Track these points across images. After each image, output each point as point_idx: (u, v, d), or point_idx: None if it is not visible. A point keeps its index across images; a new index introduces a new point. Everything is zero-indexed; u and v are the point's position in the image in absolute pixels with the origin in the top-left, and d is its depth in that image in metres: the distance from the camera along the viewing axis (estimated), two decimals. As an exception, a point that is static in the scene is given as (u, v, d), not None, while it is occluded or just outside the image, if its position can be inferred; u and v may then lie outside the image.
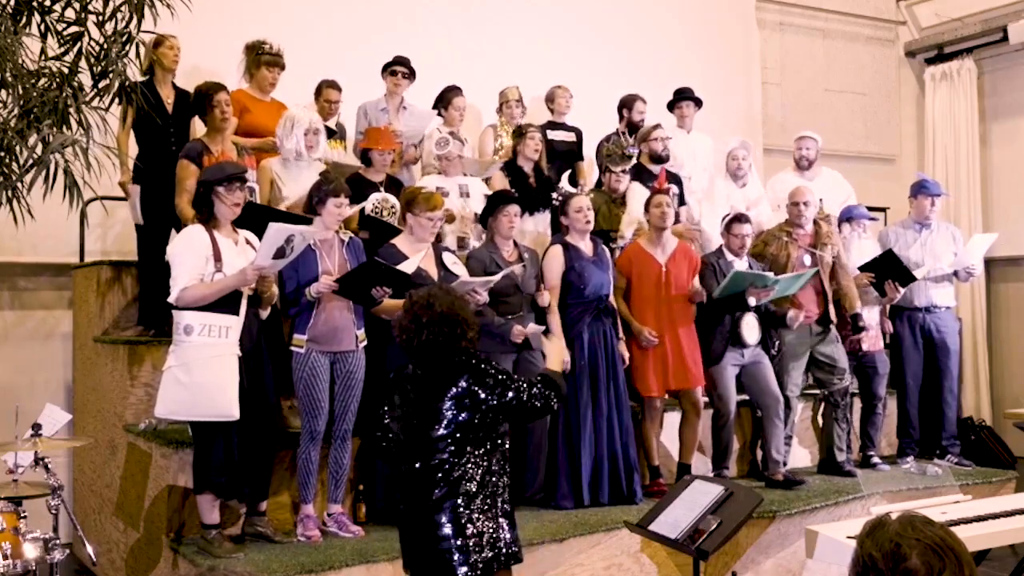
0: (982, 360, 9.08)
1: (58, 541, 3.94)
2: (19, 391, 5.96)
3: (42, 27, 4.44)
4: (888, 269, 6.16)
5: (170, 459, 4.76)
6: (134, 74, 4.61)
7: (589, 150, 7.03)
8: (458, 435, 3.15)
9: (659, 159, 6.42)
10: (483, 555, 3.12)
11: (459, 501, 3.13)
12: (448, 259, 5.12)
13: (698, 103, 7.09)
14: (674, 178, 6.52)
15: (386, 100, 6.36)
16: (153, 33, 4.58)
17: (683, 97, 7.06)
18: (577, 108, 7.03)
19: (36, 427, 4.07)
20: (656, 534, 3.72)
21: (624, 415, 5.47)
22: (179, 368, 4.21)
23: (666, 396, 5.75)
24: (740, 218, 5.89)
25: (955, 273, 6.68)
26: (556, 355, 3.61)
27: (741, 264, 5.85)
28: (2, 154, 4.22)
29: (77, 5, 4.45)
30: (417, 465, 3.19)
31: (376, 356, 4.92)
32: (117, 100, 4.52)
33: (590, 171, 6.99)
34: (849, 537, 3.61)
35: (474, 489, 3.14)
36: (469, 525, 3.12)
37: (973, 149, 9.32)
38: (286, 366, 4.72)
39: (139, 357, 5.33)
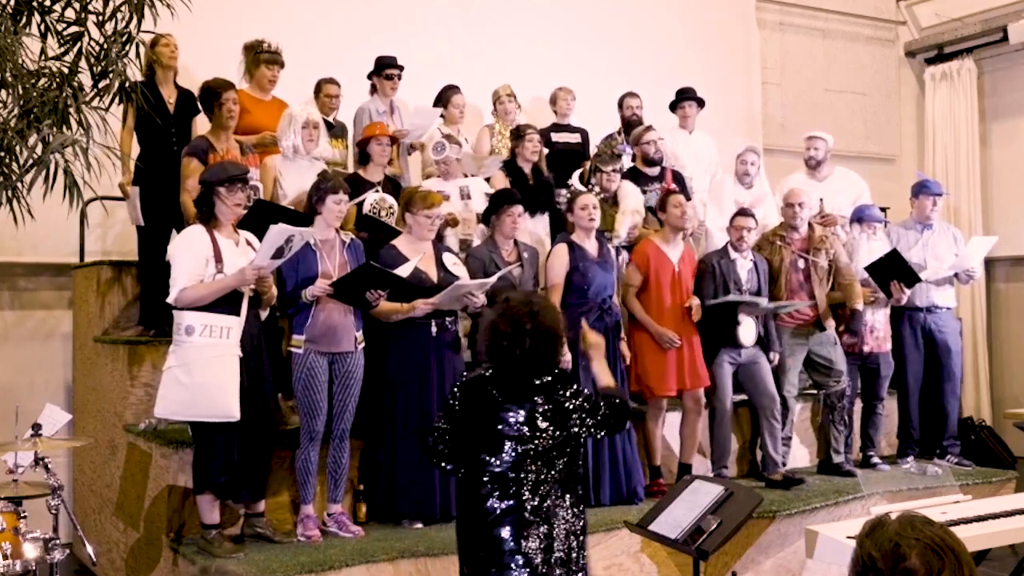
0: (982, 360, 9.07)
1: (58, 541, 3.93)
2: (19, 391, 5.96)
3: (42, 27, 4.44)
4: (893, 270, 6.15)
5: (170, 459, 4.76)
6: (134, 74, 4.61)
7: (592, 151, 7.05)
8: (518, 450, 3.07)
9: (651, 161, 6.42)
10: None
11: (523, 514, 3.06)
12: (448, 259, 5.11)
13: (700, 103, 7.09)
14: (676, 177, 6.53)
15: (382, 101, 6.35)
16: (153, 33, 4.58)
17: (685, 97, 7.05)
18: (577, 108, 7.03)
19: (36, 427, 4.07)
20: (656, 534, 3.72)
21: (625, 415, 5.47)
22: (179, 368, 4.21)
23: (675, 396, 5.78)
24: (743, 212, 5.92)
25: (955, 275, 6.68)
26: (604, 371, 3.41)
27: (744, 264, 5.86)
28: (2, 154, 4.22)
29: (77, 5, 4.44)
30: (475, 474, 3.11)
31: (375, 357, 4.93)
32: (117, 100, 4.51)
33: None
34: (849, 537, 3.61)
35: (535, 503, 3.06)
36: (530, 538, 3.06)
37: (973, 149, 9.31)
38: (285, 367, 4.72)
39: (139, 357, 5.33)
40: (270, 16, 6.78)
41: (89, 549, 4.02)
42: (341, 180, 4.86)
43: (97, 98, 4.43)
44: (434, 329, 4.92)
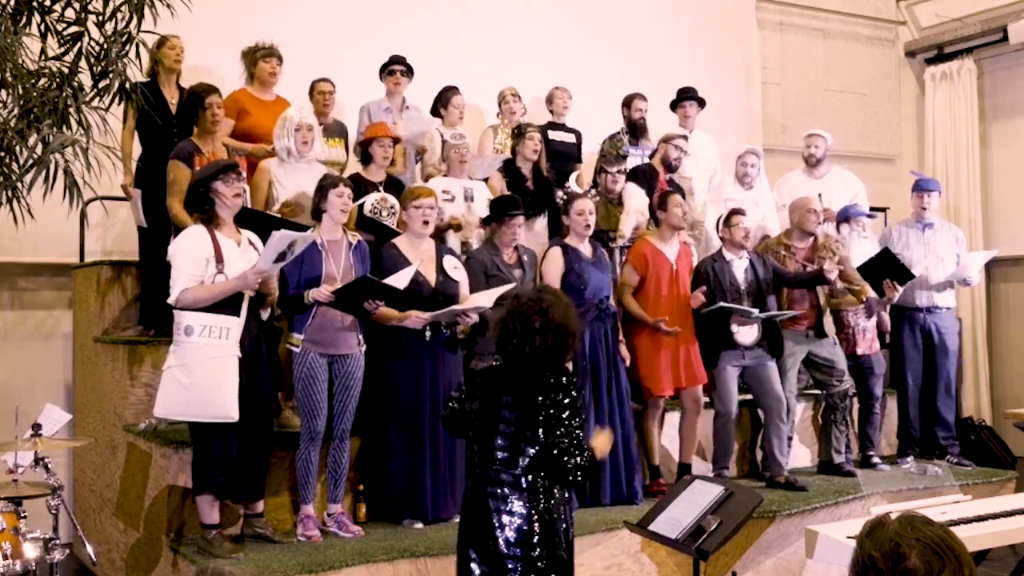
0: (982, 360, 9.07)
1: (58, 541, 3.94)
2: (19, 391, 5.97)
3: (42, 27, 4.43)
4: (885, 268, 6.15)
5: (170, 459, 4.76)
6: (134, 74, 4.60)
7: (588, 151, 7.04)
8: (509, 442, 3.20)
9: (669, 167, 6.44)
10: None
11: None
12: (448, 263, 5.07)
13: (701, 103, 7.10)
14: (673, 184, 6.53)
15: (388, 100, 6.36)
16: (153, 33, 4.58)
17: (686, 97, 7.06)
18: (577, 108, 7.02)
19: (36, 427, 4.07)
20: (656, 534, 3.72)
21: (625, 415, 5.47)
22: (179, 368, 4.21)
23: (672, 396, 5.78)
24: (738, 211, 5.92)
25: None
26: (601, 446, 3.46)
27: (740, 264, 5.86)
28: (2, 154, 4.22)
29: (77, 5, 4.44)
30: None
31: (374, 358, 4.92)
32: (117, 100, 4.51)
33: (587, 172, 6.98)
34: (849, 537, 3.60)
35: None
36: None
37: (973, 149, 9.31)
38: (283, 367, 4.72)
39: (139, 357, 5.33)
40: (270, 16, 6.78)
41: (89, 549, 4.02)
42: (340, 176, 4.86)
43: (97, 98, 4.43)
44: (428, 334, 4.91)
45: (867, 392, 6.45)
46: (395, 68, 6.35)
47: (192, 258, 4.23)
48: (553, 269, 5.43)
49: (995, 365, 9.17)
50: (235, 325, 4.25)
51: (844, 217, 6.61)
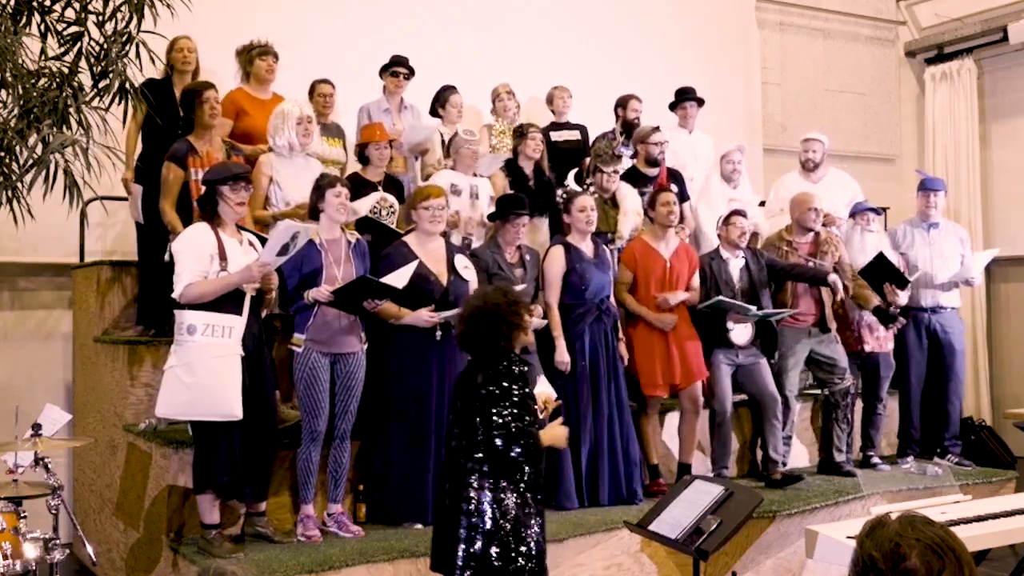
0: (982, 360, 9.07)
1: (58, 541, 3.94)
2: (19, 391, 5.96)
3: (42, 27, 4.43)
4: (883, 272, 6.16)
5: (170, 459, 4.76)
6: (135, 74, 4.60)
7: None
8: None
9: (654, 163, 6.42)
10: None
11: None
12: (460, 262, 5.06)
13: (700, 103, 7.09)
14: (675, 176, 6.52)
15: (387, 100, 6.36)
16: (153, 33, 4.57)
17: (685, 97, 7.05)
18: (577, 108, 7.03)
19: (36, 427, 4.07)
20: (656, 534, 3.72)
21: (624, 415, 5.47)
22: (181, 368, 4.21)
23: (668, 396, 5.76)
24: (739, 212, 5.93)
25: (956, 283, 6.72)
26: (554, 437, 3.63)
27: (736, 263, 5.86)
28: (2, 154, 4.22)
29: (77, 5, 4.44)
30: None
31: (376, 357, 4.92)
32: (117, 100, 4.51)
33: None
34: (849, 537, 3.60)
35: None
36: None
37: (973, 149, 9.31)
38: (282, 367, 4.72)
39: (139, 357, 5.33)
40: (270, 16, 6.78)
41: (89, 549, 4.02)
42: (337, 175, 4.87)
43: (97, 98, 4.43)
44: (439, 334, 4.90)
45: (873, 392, 6.44)
46: (398, 70, 6.34)
47: (197, 254, 4.25)
48: (555, 267, 5.42)
49: (995, 365, 9.17)
50: (238, 324, 4.26)
51: (850, 213, 6.61)
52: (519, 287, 4.97)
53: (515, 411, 3.30)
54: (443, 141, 6.15)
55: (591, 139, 6.94)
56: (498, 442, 3.29)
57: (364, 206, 4.99)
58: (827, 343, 6.13)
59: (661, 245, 5.76)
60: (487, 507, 3.32)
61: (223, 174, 4.38)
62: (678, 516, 3.66)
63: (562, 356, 5.31)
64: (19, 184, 4.25)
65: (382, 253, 5.01)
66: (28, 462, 4.07)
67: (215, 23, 6.31)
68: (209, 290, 4.21)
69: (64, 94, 4.24)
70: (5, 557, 3.73)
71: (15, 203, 4.29)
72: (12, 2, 4.29)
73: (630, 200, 6.09)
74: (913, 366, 6.69)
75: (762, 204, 7.16)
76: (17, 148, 4.22)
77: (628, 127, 6.86)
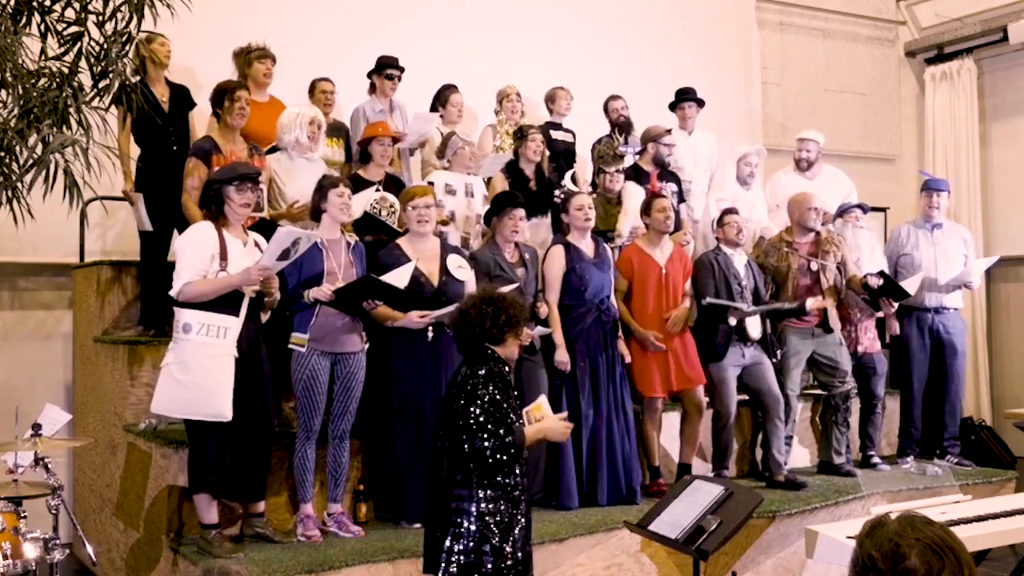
0: (982, 360, 9.06)
1: (58, 541, 3.93)
2: (19, 391, 5.96)
3: (42, 27, 4.43)
4: (884, 290, 6.19)
5: (170, 459, 4.76)
6: (134, 75, 4.61)
7: (582, 150, 7.05)
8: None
9: (660, 164, 6.42)
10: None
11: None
12: (453, 262, 5.03)
13: (700, 103, 7.09)
14: (672, 176, 6.52)
15: (380, 101, 6.35)
16: (153, 33, 4.57)
17: (685, 97, 7.05)
18: (577, 108, 7.04)
19: (36, 427, 4.07)
20: (656, 534, 3.72)
21: (625, 415, 5.47)
22: (176, 365, 4.22)
23: (667, 398, 5.76)
24: (730, 210, 5.94)
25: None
26: (553, 432, 3.68)
27: (740, 260, 5.87)
28: (2, 154, 4.22)
29: (77, 5, 4.44)
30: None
31: (376, 357, 4.92)
32: (118, 100, 4.51)
33: (582, 171, 6.97)
34: (849, 537, 3.61)
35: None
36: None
37: (973, 149, 9.30)
38: (286, 367, 4.72)
39: (139, 357, 5.33)
40: (269, 16, 6.78)
41: (89, 549, 4.02)
42: (339, 175, 4.87)
43: (97, 98, 4.43)
44: (430, 334, 4.90)
45: (869, 392, 6.45)
46: (392, 72, 6.33)
47: (199, 253, 4.25)
48: (555, 267, 5.42)
49: (995, 365, 9.17)
50: (234, 325, 4.26)
51: (838, 213, 6.62)
52: (511, 287, 4.94)
53: (491, 410, 3.30)
54: (444, 137, 6.13)
55: (586, 142, 6.96)
56: (477, 443, 3.28)
57: (358, 204, 4.99)
58: (830, 345, 6.12)
59: (656, 251, 5.75)
60: (470, 507, 3.31)
61: (229, 175, 4.38)
62: (678, 516, 3.66)
63: (562, 356, 5.31)
64: (19, 184, 4.25)
65: (378, 255, 4.99)
66: (28, 462, 4.07)
67: (215, 23, 6.32)
68: (207, 290, 4.21)
69: (64, 94, 4.24)
70: (5, 557, 3.73)
71: (15, 203, 4.29)
72: (12, 2, 4.29)
73: (634, 199, 6.09)
74: (915, 366, 6.69)
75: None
76: (17, 148, 4.22)
77: (616, 127, 6.87)
